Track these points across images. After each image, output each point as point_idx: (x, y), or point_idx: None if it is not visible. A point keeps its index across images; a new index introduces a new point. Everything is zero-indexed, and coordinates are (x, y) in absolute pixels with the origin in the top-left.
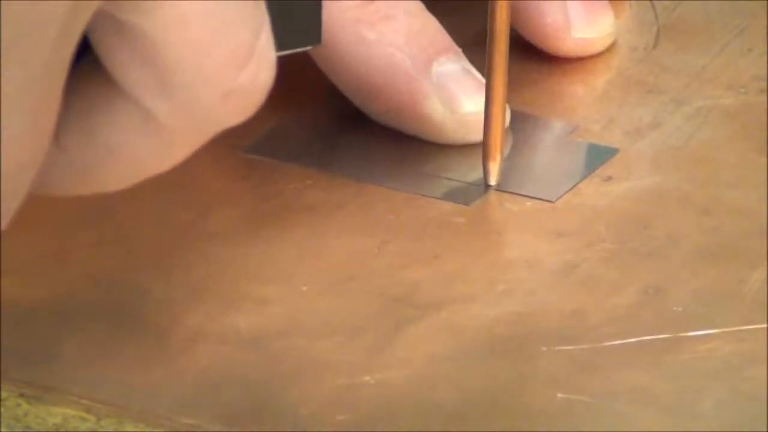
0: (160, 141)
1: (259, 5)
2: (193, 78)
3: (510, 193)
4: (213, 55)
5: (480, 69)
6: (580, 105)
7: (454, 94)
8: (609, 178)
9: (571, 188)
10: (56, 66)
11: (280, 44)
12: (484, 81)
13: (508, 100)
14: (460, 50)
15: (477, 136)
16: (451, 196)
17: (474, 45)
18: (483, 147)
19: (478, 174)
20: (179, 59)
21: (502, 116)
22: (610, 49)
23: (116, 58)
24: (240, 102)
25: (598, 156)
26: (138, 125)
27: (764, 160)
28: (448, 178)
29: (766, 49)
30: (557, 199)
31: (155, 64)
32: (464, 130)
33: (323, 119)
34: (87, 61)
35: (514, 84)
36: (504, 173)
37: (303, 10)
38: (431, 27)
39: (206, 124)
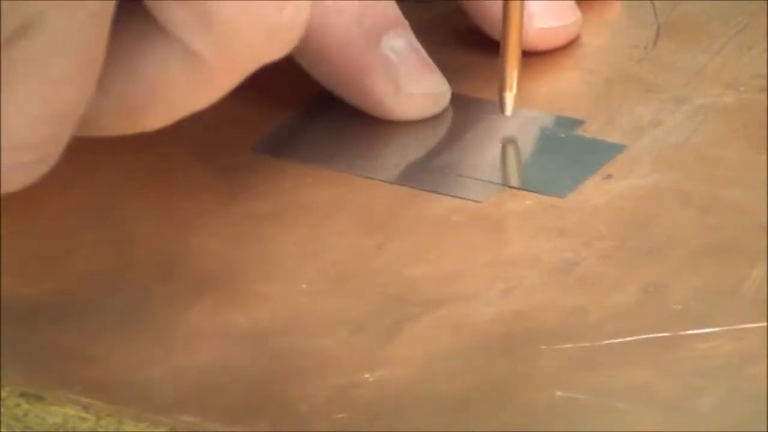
0: (201, 78)
1: None
2: (237, 15)
3: (519, 189)
4: None
5: (436, 51)
6: (580, 103)
7: (399, 73)
8: (609, 177)
9: (580, 184)
10: (105, 6)
11: None
12: (429, 59)
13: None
14: (407, 23)
15: (417, 115)
16: (463, 192)
17: (430, 28)
18: (499, 78)
19: (489, 170)
20: None
21: (518, 47)
22: (610, 48)
23: None
24: (281, 38)
25: (605, 152)
26: (180, 63)
27: (764, 158)
28: (460, 175)
29: (766, 47)
30: (567, 195)
31: (198, 1)
32: (405, 109)
33: (330, 117)
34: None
35: None
36: (511, 169)
37: None
38: (384, 2)
39: (248, 60)
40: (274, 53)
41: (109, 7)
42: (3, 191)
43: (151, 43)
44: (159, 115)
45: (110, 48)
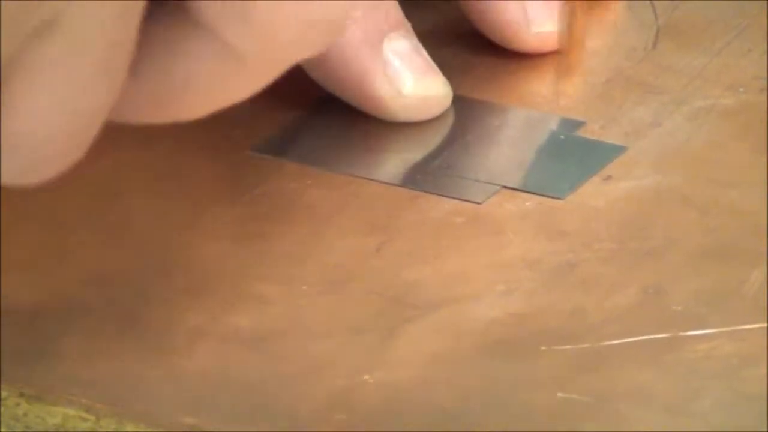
0: (236, 72)
1: None
2: (275, 8)
3: (518, 190)
4: None
5: (438, 52)
6: (580, 105)
7: (402, 75)
8: (609, 178)
9: (580, 185)
10: (130, 7)
11: None
12: (431, 61)
13: (507, 99)
14: (410, 25)
15: (419, 116)
16: (462, 193)
17: (432, 30)
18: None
19: (489, 171)
20: None
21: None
22: (609, 49)
23: None
24: (320, 33)
25: (605, 153)
26: (215, 57)
27: (764, 159)
28: (459, 176)
29: (766, 49)
30: (566, 196)
31: None
32: (407, 111)
33: (332, 118)
34: None
35: (511, 84)
36: (511, 171)
37: None
38: (386, 2)
39: (285, 55)
40: (312, 48)
41: (136, 7)
42: (30, 181)
43: (185, 35)
44: (193, 107)
45: (144, 39)
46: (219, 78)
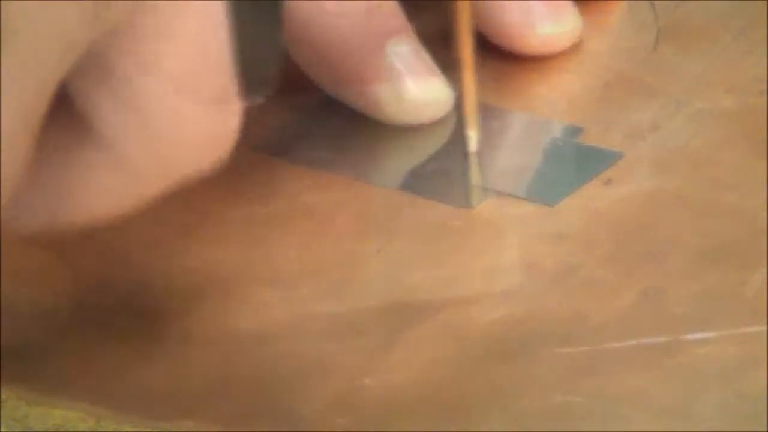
0: (130, 182)
1: (229, 55)
2: (172, 125)
3: (510, 196)
4: (194, 99)
5: (440, 56)
6: (580, 107)
7: (404, 79)
8: (609, 181)
9: (572, 192)
10: (51, 82)
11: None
12: (433, 64)
13: (507, 102)
14: (411, 29)
15: (420, 120)
16: (454, 198)
17: (433, 33)
18: (461, 116)
19: (483, 176)
20: (160, 103)
21: (474, 84)
22: (609, 51)
23: (95, 101)
24: (216, 147)
25: (601, 159)
26: (110, 167)
27: (764, 162)
28: (452, 180)
29: (766, 51)
30: (557, 204)
31: (135, 108)
32: (409, 114)
33: (332, 119)
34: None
35: (512, 87)
36: (505, 176)
37: (263, 65)
38: (388, 4)
39: (181, 168)
40: (206, 163)
41: (58, 78)
42: None
43: (81, 144)
44: (82, 215)
45: (40, 145)
46: (111, 187)
